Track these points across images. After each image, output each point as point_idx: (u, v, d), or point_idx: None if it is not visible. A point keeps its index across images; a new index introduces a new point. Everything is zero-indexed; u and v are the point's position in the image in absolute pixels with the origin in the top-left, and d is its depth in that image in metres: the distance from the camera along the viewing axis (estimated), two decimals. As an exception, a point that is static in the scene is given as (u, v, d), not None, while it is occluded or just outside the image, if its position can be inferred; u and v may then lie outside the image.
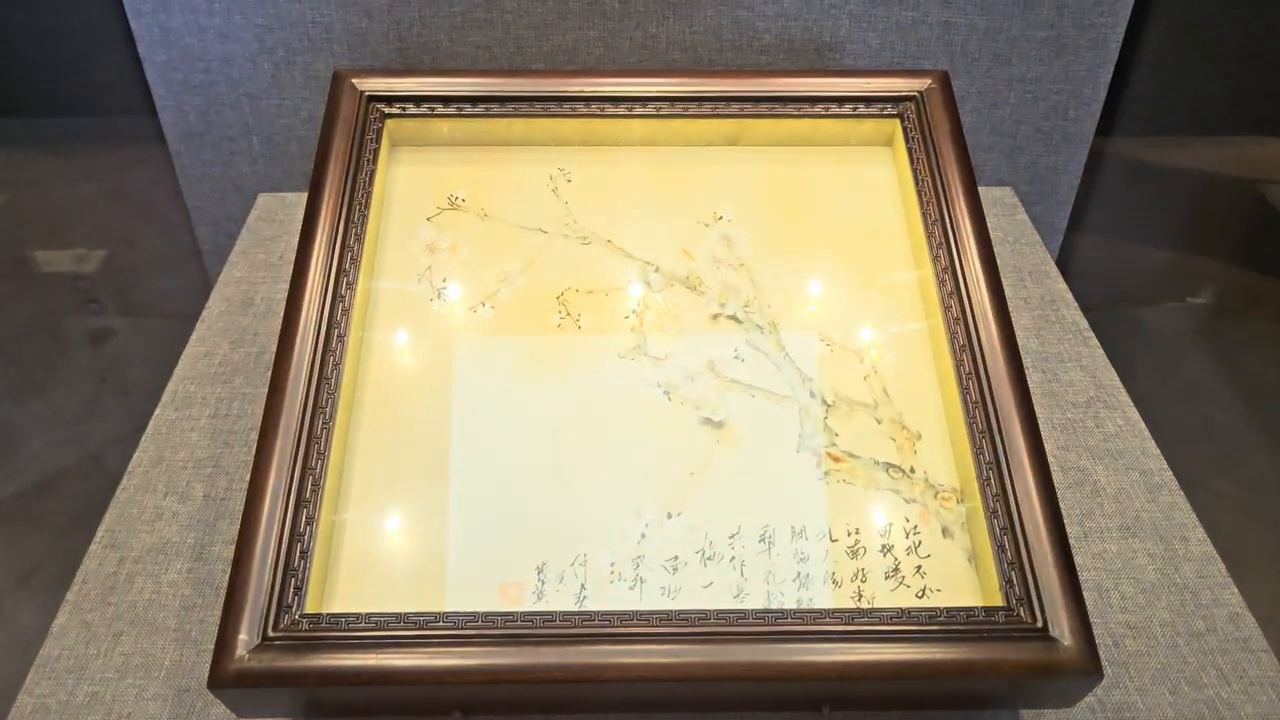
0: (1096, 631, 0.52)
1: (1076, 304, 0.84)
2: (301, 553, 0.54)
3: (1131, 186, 1.18)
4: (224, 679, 0.50)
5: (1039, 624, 0.52)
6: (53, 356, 1.17)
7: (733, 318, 0.66)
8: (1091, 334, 0.81)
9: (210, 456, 0.72)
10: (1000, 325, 0.61)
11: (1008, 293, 0.64)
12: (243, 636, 0.51)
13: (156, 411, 0.75)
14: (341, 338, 0.61)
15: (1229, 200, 1.20)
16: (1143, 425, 0.74)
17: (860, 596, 0.56)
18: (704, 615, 0.52)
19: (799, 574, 0.56)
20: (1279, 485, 1.04)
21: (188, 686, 0.59)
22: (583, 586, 0.56)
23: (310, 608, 0.53)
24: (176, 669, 0.60)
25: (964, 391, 0.60)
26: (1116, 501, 0.70)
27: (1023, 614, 0.52)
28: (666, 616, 0.52)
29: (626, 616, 0.52)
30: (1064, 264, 0.89)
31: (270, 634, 0.51)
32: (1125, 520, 0.69)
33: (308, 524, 0.55)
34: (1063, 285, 0.86)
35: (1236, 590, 0.65)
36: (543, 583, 0.56)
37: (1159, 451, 0.73)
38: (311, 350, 0.60)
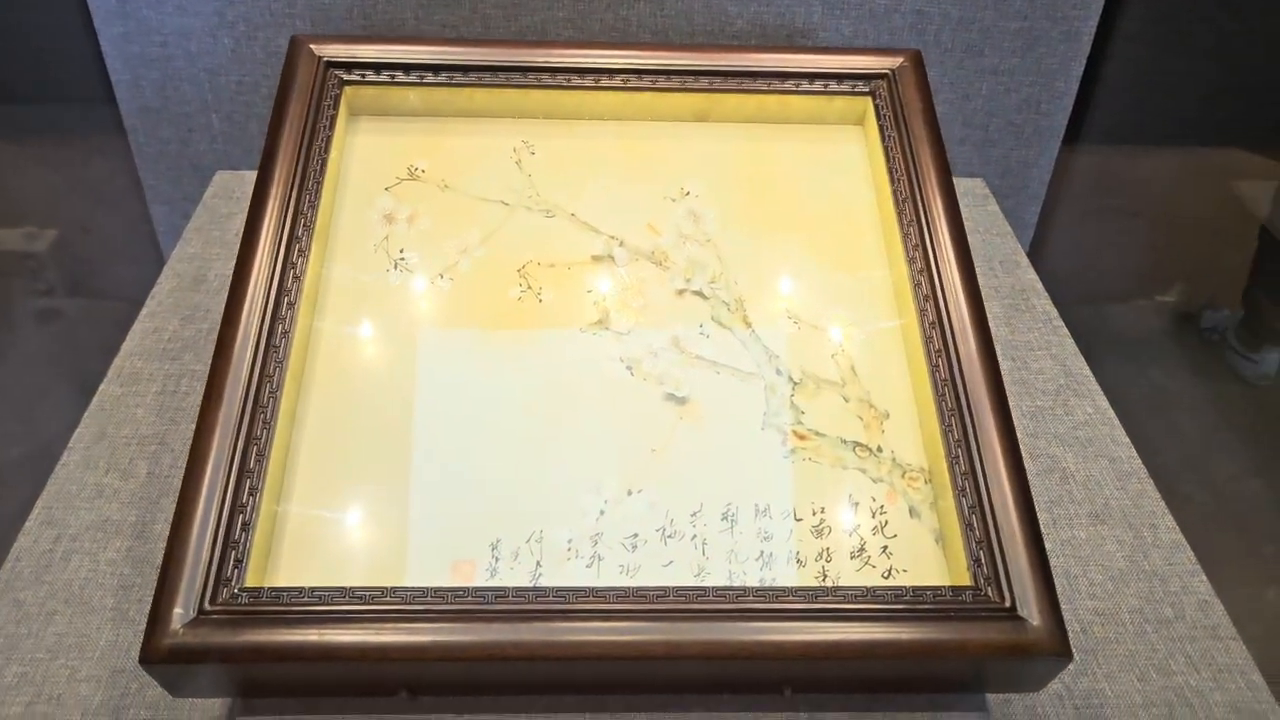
0: (1065, 618, 0.51)
1: (1046, 294, 0.83)
2: (243, 525, 0.51)
3: (1103, 184, 1.18)
4: (157, 654, 0.47)
5: (1007, 603, 0.50)
6: (1, 345, 1.14)
7: (698, 293, 0.64)
8: (1061, 323, 0.80)
9: (156, 433, 0.69)
10: (971, 303, 0.60)
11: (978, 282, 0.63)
12: (178, 610, 0.48)
13: (101, 386, 0.72)
14: (291, 305, 0.59)
15: (1199, 201, 1.20)
16: (1112, 413, 0.73)
17: (825, 576, 0.54)
18: (663, 592, 0.50)
19: (762, 553, 0.55)
20: (1243, 487, 1.03)
21: (123, 667, 0.57)
22: (538, 564, 0.54)
23: (251, 581, 0.50)
24: (112, 649, 0.57)
25: (933, 369, 0.59)
26: (1085, 488, 0.68)
27: (990, 593, 0.51)
28: (624, 593, 0.50)
29: (582, 593, 0.50)
30: (1033, 259, 0.88)
31: (207, 607, 0.48)
32: (1094, 507, 0.67)
33: (250, 495, 0.52)
34: (1033, 275, 0.85)
35: (1205, 578, 0.64)
36: (496, 560, 0.54)
37: (1128, 439, 0.72)
38: (259, 317, 0.57)
